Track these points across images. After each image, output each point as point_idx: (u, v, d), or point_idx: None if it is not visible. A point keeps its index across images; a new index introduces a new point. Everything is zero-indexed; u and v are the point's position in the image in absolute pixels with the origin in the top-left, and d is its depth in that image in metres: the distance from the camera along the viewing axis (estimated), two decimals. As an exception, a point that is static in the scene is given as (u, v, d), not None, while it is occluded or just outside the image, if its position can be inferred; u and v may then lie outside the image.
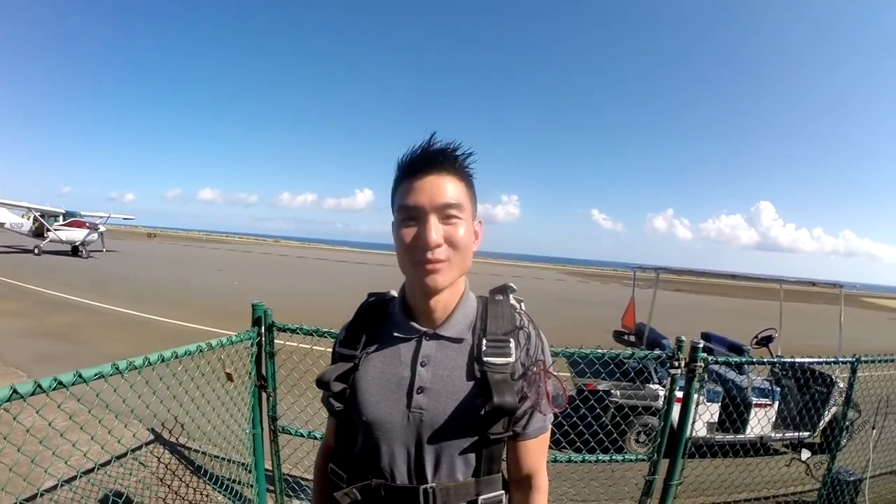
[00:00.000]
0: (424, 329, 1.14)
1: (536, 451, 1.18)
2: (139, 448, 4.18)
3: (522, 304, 1.25)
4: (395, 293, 1.28)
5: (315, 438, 3.35)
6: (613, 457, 3.51)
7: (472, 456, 1.09)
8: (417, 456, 1.08)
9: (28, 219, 29.34)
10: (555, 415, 1.19)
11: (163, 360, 2.20)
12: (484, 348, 1.10)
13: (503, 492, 1.15)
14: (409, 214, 1.05)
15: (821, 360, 4.09)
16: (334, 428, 1.27)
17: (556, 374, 1.15)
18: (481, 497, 1.10)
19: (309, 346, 3.43)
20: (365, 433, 1.13)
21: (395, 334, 1.16)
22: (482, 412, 1.04)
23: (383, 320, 1.21)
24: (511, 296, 1.24)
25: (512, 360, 1.10)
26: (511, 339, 1.12)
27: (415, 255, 1.04)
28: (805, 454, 4.42)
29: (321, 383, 1.16)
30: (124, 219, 38.64)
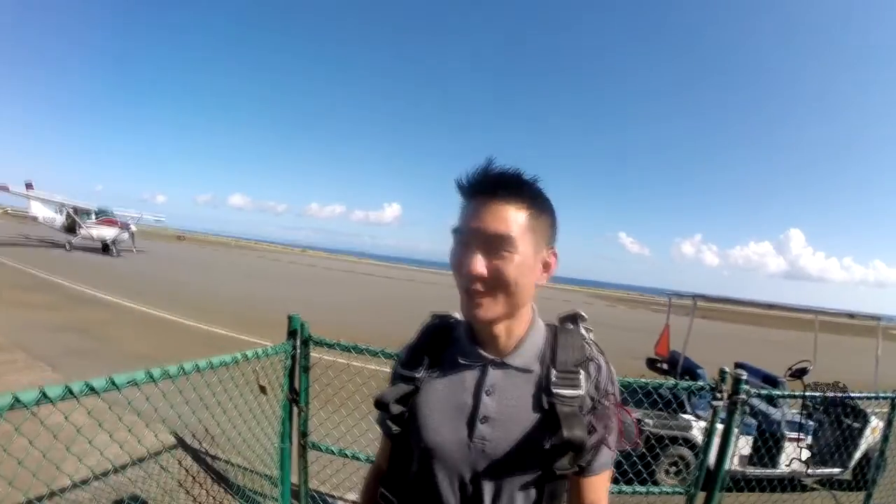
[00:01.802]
0: (491, 357, 1.09)
1: (600, 487, 1.12)
2: (161, 452, 4.15)
3: (592, 333, 1.19)
4: (458, 315, 1.22)
5: (346, 456, 3.30)
6: (650, 489, 3.42)
7: (534, 491, 1.04)
8: (476, 487, 1.04)
9: (61, 214, 30.00)
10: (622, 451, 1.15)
11: (198, 370, 2.18)
12: (553, 379, 1.05)
13: None
14: (458, 239, 1.03)
15: (861, 395, 3.94)
16: (388, 451, 1.22)
17: (626, 408, 1.11)
18: None
19: (345, 362, 3.38)
20: (421, 459, 1.09)
21: (461, 360, 1.12)
22: (548, 446, 1.00)
23: (448, 344, 1.17)
24: (581, 325, 1.19)
25: (582, 392, 1.05)
26: (581, 371, 1.07)
27: (459, 281, 1.02)
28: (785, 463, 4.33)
29: (380, 404, 1.12)
30: (155, 219, 39.30)
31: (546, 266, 1.08)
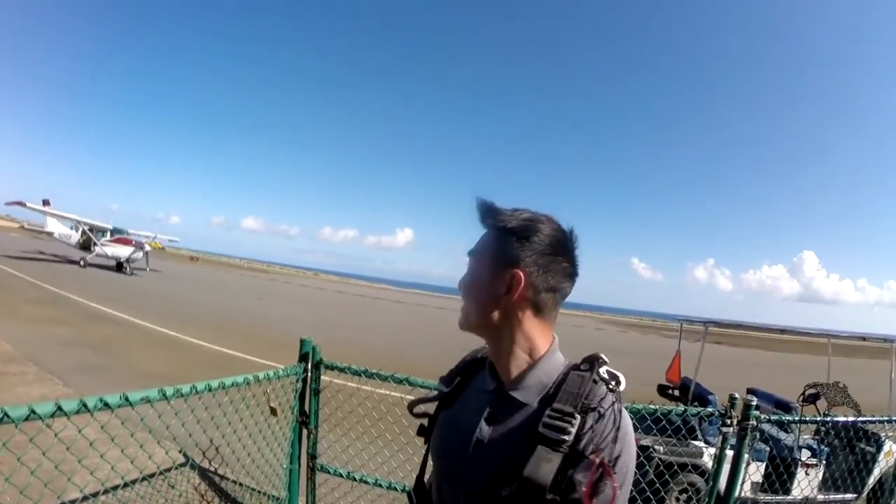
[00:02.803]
0: (497, 385, 1.14)
1: None
2: (170, 469, 4.15)
3: (615, 382, 1.07)
4: None
5: (354, 480, 3.30)
6: (660, 517, 3.36)
7: None
8: None
9: (77, 231, 30.39)
10: None
11: (210, 390, 2.21)
12: (544, 419, 1.01)
13: None
14: None
15: (874, 418, 3.90)
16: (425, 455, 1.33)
17: (612, 472, 0.98)
18: None
19: (356, 386, 3.38)
20: (434, 472, 1.22)
21: (480, 386, 1.20)
22: (508, 483, 0.99)
23: (480, 367, 1.25)
24: (601, 369, 1.08)
25: (567, 439, 0.97)
26: (577, 417, 0.99)
27: None
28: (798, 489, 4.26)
29: (409, 407, 1.31)
30: (169, 240, 39.54)
31: (508, 288, 1.09)
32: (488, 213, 1.16)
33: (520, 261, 1.10)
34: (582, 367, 1.10)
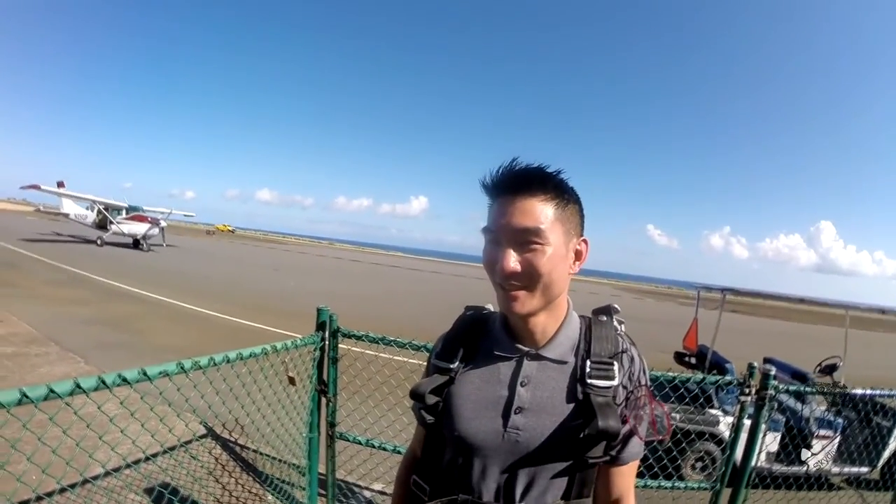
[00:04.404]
0: (527, 349, 1.11)
1: (629, 476, 1.14)
2: (191, 441, 4.24)
3: (623, 325, 1.21)
4: (492, 307, 1.27)
5: (373, 447, 3.35)
6: (676, 484, 3.39)
7: (566, 479, 1.06)
8: (509, 475, 1.06)
9: (93, 211, 30.74)
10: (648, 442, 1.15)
11: (228, 361, 2.22)
12: (588, 370, 1.08)
13: None
14: (490, 237, 1.05)
15: (893, 392, 3.86)
16: (422, 439, 1.24)
17: (658, 399, 1.12)
18: None
19: (374, 354, 3.42)
20: (455, 448, 1.11)
21: (496, 352, 1.14)
22: (582, 435, 1.01)
23: (483, 335, 1.19)
24: (614, 317, 1.20)
25: (615, 383, 1.07)
26: (615, 362, 1.09)
27: (494, 278, 1.04)
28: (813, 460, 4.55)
29: (416, 395, 1.14)
30: (185, 215, 39.85)
31: (578, 255, 1.09)
32: (543, 179, 1.02)
33: (583, 227, 1.10)
34: (601, 317, 1.19)
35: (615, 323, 1.19)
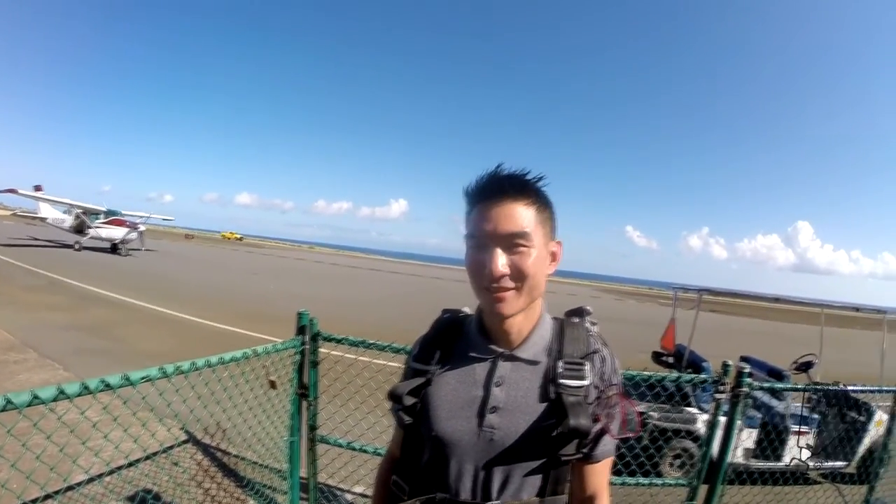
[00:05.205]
0: (501, 350, 1.15)
1: (602, 473, 1.18)
2: (173, 446, 4.22)
3: (596, 326, 1.25)
4: (468, 310, 1.30)
5: (354, 450, 3.36)
6: (653, 481, 3.45)
7: (540, 476, 1.09)
8: (486, 474, 1.09)
9: (70, 215, 30.28)
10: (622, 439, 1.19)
11: (209, 366, 2.23)
12: (560, 370, 1.11)
13: None
14: (474, 242, 1.08)
15: (865, 388, 3.98)
16: (401, 440, 1.27)
17: (629, 398, 1.17)
18: None
19: (353, 357, 3.43)
20: (432, 448, 1.14)
21: (471, 354, 1.17)
22: (555, 433, 1.05)
23: (458, 338, 1.23)
24: (587, 319, 1.25)
25: (587, 383, 1.10)
26: (587, 363, 1.13)
27: (481, 282, 1.06)
28: (805, 454, 4.56)
29: (394, 396, 1.17)
30: (163, 219, 39.43)
31: (553, 256, 1.15)
32: (525, 185, 1.08)
33: (556, 230, 1.16)
34: (574, 318, 1.24)
35: (587, 324, 1.23)
